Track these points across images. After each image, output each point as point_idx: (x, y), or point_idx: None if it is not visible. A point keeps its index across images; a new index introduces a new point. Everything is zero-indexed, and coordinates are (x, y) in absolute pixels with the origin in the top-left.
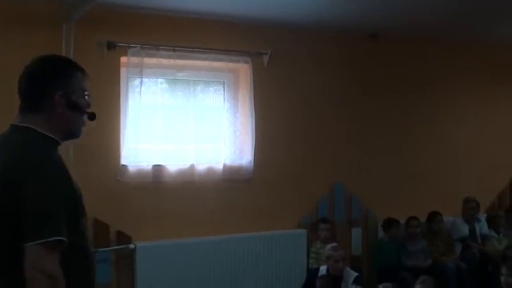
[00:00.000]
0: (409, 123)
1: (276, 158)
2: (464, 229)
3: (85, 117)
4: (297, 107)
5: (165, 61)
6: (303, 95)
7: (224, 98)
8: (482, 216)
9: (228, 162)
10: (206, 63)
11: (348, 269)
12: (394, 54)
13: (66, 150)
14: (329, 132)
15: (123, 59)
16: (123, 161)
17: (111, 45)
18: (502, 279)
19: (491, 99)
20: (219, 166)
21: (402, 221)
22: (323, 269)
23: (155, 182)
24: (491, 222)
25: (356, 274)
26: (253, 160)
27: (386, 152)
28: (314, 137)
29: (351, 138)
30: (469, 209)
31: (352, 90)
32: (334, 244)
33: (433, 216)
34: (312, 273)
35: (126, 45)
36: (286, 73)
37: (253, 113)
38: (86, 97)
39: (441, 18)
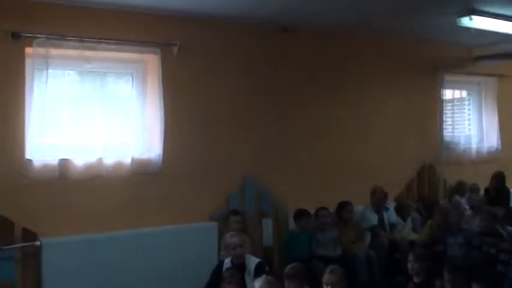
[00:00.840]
0: (319, 116)
1: (186, 151)
2: (373, 218)
3: None
4: (207, 99)
5: (72, 52)
6: (213, 86)
7: (133, 90)
8: (391, 205)
9: (137, 156)
10: (114, 54)
11: (249, 256)
12: (306, 47)
13: None
14: (240, 125)
15: (28, 50)
16: (27, 155)
17: (15, 36)
18: (409, 265)
19: (402, 93)
20: (127, 160)
21: (313, 212)
22: (227, 262)
23: (62, 177)
24: (399, 210)
25: (258, 260)
26: (162, 153)
27: (298, 144)
28: (225, 129)
29: (262, 131)
30: (377, 199)
31: (263, 82)
32: (231, 232)
33: (343, 205)
34: (218, 266)
35: (32, 35)
36: (197, 65)
37: (162, 105)
38: None
39: (351, 13)
